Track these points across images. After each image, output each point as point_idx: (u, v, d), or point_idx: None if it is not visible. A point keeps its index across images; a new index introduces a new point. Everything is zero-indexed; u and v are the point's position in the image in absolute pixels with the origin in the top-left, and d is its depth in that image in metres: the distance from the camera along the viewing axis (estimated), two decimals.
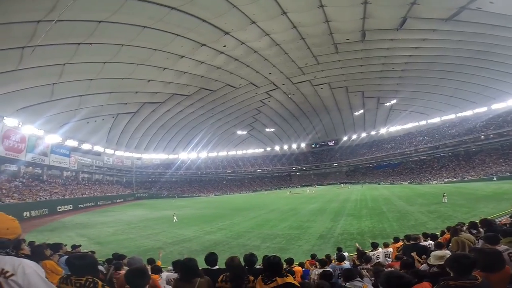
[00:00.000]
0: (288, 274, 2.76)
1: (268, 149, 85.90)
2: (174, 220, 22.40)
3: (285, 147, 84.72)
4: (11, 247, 1.63)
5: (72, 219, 26.83)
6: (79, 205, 36.04)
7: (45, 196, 32.27)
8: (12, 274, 1.47)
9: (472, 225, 5.42)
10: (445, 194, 21.98)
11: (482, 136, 49.23)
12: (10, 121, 31.17)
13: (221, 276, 2.98)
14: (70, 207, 33.84)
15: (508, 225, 5.68)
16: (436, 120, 60.23)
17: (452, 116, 56.81)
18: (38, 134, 36.59)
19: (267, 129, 73.94)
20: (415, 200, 24.80)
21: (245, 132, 74.74)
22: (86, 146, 47.41)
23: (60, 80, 28.71)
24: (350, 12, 26.29)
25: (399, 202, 24.91)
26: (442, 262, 2.26)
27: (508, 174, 37.81)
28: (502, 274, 2.20)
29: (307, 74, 44.21)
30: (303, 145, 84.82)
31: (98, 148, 50.58)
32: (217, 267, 3.37)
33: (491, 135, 47.96)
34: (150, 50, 29.03)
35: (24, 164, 36.17)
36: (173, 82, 39.01)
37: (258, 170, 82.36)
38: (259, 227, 17.83)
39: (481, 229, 4.99)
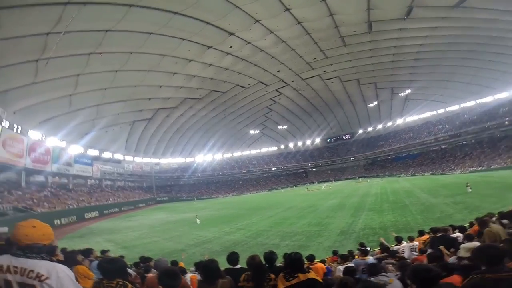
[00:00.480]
0: (310, 270, 2.76)
1: (282, 146, 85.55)
2: (197, 222, 22.82)
3: (299, 143, 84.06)
4: (46, 252, 1.73)
5: (99, 225, 27.92)
6: (105, 211, 37.29)
7: (72, 204, 33.76)
8: (47, 278, 1.58)
9: (503, 216, 5.15)
10: (468, 184, 20.95)
11: (506, 122, 46.57)
12: (34, 134, 32.74)
13: (243, 275, 2.99)
14: (96, 213, 35.04)
15: None
16: (455, 107, 57.83)
17: (472, 103, 54.37)
18: (61, 146, 38.33)
19: (280, 127, 73.61)
20: (439, 192, 23.83)
21: (257, 131, 74.78)
22: (106, 155, 49.17)
23: (76, 91, 29.92)
24: (354, 4, 25.92)
25: (422, 194, 24.04)
26: None
27: None
28: None
29: (316, 69, 43.70)
30: (317, 140, 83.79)
31: (118, 156, 52.35)
32: (238, 266, 3.41)
33: None
34: (159, 56, 29.71)
35: (51, 175, 37.96)
36: (184, 87, 39.72)
37: (273, 169, 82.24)
38: (278, 225, 17.80)
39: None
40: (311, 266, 5.30)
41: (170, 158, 68.54)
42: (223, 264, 3.29)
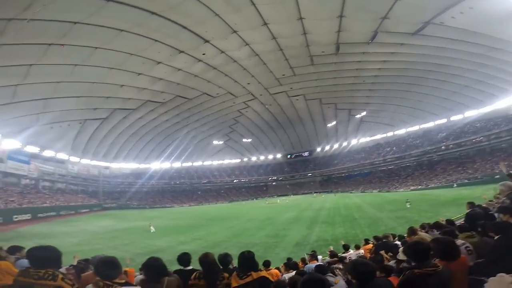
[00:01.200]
0: (263, 269, 2.76)
1: (245, 159, 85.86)
2: (151, 230, 21.32)
3: (262, 157, 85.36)
4: None
5: (31, 229, 24.65)
6: (39, 215, 33.37)
7: None
8: None
9: (432, 226, 5.84)
10: (408, 200, 23.52)
11: (443, 147, 53.72)
12: None
13: (195, 273, 2.90)
14: (29, 216, 31.37)
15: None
16: (402, 131, 64.27)
17: (416, 128, 61.09)
18: None
19: (244, 140, 74.00)
20: (384, 207, 26.07)
21: (221, 142, 73.95)
22: (48, 153, 43.99)
23: (24, 81, 26.63)
24: (327, 25, 27.43)
25: (370, 209, 26.05)
26: None
27: (466, 181, 41.12)
28: (459, 263, 2.38)
29: (284, 85, 45.35)
30: (279, 155, 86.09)
31: (62, 156, 47.11)
32: (190, 267, 3.28)
33: (451, 145, 52.47)
34: (126, 54, 28.02)
35: None
36: (147, 88, 37.78)
37: (235, 180, 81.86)
38: (236, 237, 17.55)
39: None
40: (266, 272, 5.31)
41: (122, 162, 63.35)
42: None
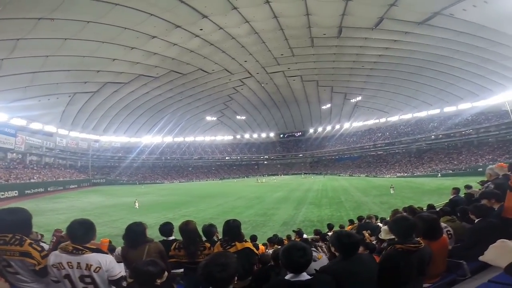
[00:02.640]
0: (247, 240, 2.75)
1: (238, 136, 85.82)
2: (135, 207, 21.53)
3: (255, 135, 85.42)
4: None
5: (18, 206, 24.32)
6: (26, 191, 32.91)
7: None
8: None
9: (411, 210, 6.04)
10: (392, 186, 24.24)
11: (433, 136, 54.80)
12: None
13: (174, 243, 2.80)
14: (15, 193, 30.85)
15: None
16: (395, 118, 64.82)
17: (409, 116, 61.69)
18: None
19: (238, 117, 73.48)
20: (370, 192, 26.92)
21: (214, 118, 73.04)
22: (36, 126, 42.85)
23: (11, 55, 25.40)
24: (332, 7, 26.51)
25: (356, 193, 26.86)
26: (392, 236, 2.41)
27: (451, 171, 42.63)
28: (440, 243, 2.39)
29: (281, 65, 44.51)
30: (272, 134, 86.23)
31: (49, 128, 45.97)
32: (173, 237, 3.20)
33: (440, 135, 53.58)
34: (119, 28, 26.57)
35: None
36: (140, 63, 36.38)
37: (226, 158, 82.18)
38: (225, 214, 17.93)
39: None
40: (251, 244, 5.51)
41: (113, 136, 62.39)
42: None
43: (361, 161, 68.08)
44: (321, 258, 3.29)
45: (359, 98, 59.77)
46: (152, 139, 70.10)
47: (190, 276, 2.59)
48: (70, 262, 1.87)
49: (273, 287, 1.83)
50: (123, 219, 17.10)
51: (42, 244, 2.10)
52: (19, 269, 1.94)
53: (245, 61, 41.87)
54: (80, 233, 1.97)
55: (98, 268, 1.89)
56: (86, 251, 1.90)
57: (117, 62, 34.56)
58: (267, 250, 6.45)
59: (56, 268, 1.88)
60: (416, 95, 52.13)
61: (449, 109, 52.64)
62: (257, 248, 4.64)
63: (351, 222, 8.88)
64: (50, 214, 19.64)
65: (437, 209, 4.81)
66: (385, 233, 3.26)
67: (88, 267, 1.88)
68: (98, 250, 1.99)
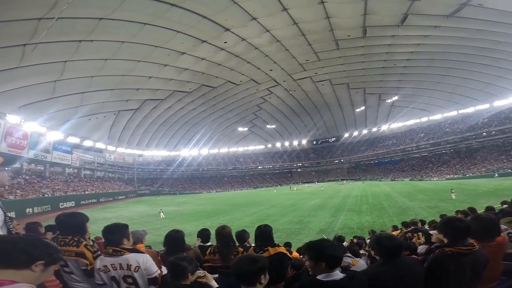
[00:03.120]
0: (280, 245, 2.69)
1: (269, 145, 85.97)
2: (161, 217, 22.51)
3: (286, 143, 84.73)
4: None
5: None
6: (81, 202, 36.15)
7: (47, 192, 32.50)
8: None
9: (466, 213, 5.44)
10: (453, 191, 21.72)
11: (484, 133, 49.19)
12: (12, 118, 31.26)
13: (210, 248, 2.88)
14: (72, 203, 33.90)
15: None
16: (437, 116, 60.06)
17: (454, 113, 56.65)
18: (40, 131, 36.73)
19: (268, 126, 73.96)
20: (416, 196, 24.83)
21: (246, 129, 74.65)
22: (88, 143, 47.52)
23: (61, 77, 28.74)
24: (351, 8, 26.11)
25: (400, 198, 24.96)
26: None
27: (510, 170, 37.85)
28: (497, 245, 2.15)
29: (308, 70, 44.07)
30: (304, 141, 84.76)
31: (100, 145, 50.78)
32: (209, 243, 3.32)
33: (493, 132, 47.94)
34: (151, 47, 28.94)
35: (27, 161, 36.32)
36: (173, 79, 38.96)
37: (259, 167, 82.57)
38: (260, 222, 17.66)
39: None
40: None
41: (154, 150, 67.14)
42: None
43: (404, 164, 63.38)
44: (356, 264, 3.14)
45: (395, 98, 56.58)
46: (190, 152, 73.75)
47: (224, 280, 2.63)
48: (114, 264, 2.01)
49: (304, 286, 1.77)
50: (165, 227, 17.97)
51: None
52: (74, 269, 2.12)
53: (271, 70, 42.29)
54: (111, 235, 2.13)
55: (137, 268, 2.01)
56: (125, 252, 2.03)
57: (153, 80, 37.36)
58: (301, 256, 6.28)
59: (103, 272, 2.03)
60: (459, 91, 47.97)
61: (499, 102, 47.49)
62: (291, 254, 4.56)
63: (395, 228, 8.28)
64: (102, 223, 20.91)
65: (497, 211, 4.32)
66: (436, 236, 3.04)
67: (128, 267, 2.01)
68: (135, 250, 2.12)
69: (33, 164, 38.84)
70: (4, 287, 1.01)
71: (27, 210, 25.51)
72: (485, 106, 49.92)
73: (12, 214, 19.18)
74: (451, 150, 55.64)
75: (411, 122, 66.01)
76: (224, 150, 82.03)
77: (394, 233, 7.24)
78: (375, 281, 1.67)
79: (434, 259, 1.92)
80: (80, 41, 23.98)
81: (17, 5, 17.68)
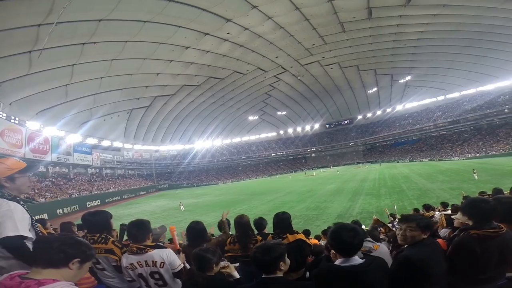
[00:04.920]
0: (299, 232, 2.68)
1: (281, 132, 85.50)
2: (182, 209, 23.20)
3: (299, 129, 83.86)
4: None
5: None
6: (106, 200, 37.58)
7: (74, 193, 34.13)
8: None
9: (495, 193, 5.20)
10: (475, 171, 20.96)
11: (506, 109, 46.65)
12: (32, 125, 32.52)
13: (229, 238, 2.92)
14: (98, 202, 35.30)
15: None
16: (455, 95, 57.56)
17: (472, 91, 54.02)
18: (60, 135, 38.22)
19: (279, 113, 73.44)
20: (436, 177, 24.16)
21: (256, 117, 74.50)
22: (105, 143, 49.05)
23: (71, 81, 29.59)
24: None
25: (419, 179, 24.41)
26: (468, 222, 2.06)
27: None
28: None
29: (315, 55, 43.05)
30: (316, 126, 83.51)
31: (117, 144, 52.28)
32: (229, 233, 3.34)
33: None
34: (155, 44, 29.09)
35: (51, 164, 38.06)
36: (181, 74, 39.19)
37: (272, 154, 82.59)
38: (276, 209, 17.84)
39: None
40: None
41: (169, 145, 68.49)
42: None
43: (422, 144, 61.40)
44: (377, 249, 3.10)
45: (408, 77, 54.52)
46: (204, 144, 74.74)
47: (245, 269, 2.67)
48: (140, 262, 2.06)
49: (322, 272, 1.67)
50: (187, 219, 18.56)
51: None
52: (105, 265, 2.24)
53: (276, 56, 41.61)
54: (135, 233, 2.16)
55: (162, 264, 2.06)
56: (148, 249, 2.08)
57: (161, 76, 37.75)
58: (320, 242, 6.30)
59: (130, 269, 2.08)
60: (476, 69, 45.63)
61: None
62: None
63: (416, 211, 8.05)
64: (127, 219, 22.07)
65: None
66: (459, 219, 2.96)
67: (154, 263, 2.06)
68: (157, 246, 2.15)
69: (57, 167, 40.72)
70: (46, 286, 1.05)
71: (58, 211, 26.83)
72: (506, 83, 47.13)
73: (44, 216, 20.40)
74: (471, 127, 53.30)
75: (427, 101, 63.40)
76: (236, 139, 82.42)
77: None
78: (421, 262, 1.67)
79: (459, 242, 1.86)
80: (83, 43, 24.42)
81: (15, 13, 17.99)
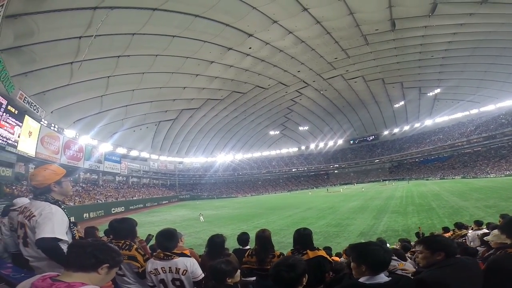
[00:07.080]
0: (320, 248, 2.65)
1: (303, 147, 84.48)
2: (201, 220, 23.33)
3: (321, 144, 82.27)
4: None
5: None
6: (130, 207, 38.83)
7: (101, 199, 35.81)
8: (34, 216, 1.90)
9: None
10: None
11: None
12: (69, 133, 34.96)
13: (249, 250, 2.96)
14: (122, 208, 36.48)
15: None
16: (490, 107, 53.91)
17: (509, 103, 50.25)
18: (93, 144, 40.80)
19: (301, 128, 72.74)
20: (470, 195, 22.42)
21: (277, 132, 74.70)
22: (134, 153, 51.53)
23: (107, 92, 31.52)
24: (374, 2, 25.09)
25: (451, 197, 22.74)
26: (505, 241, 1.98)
27: None
28: None
29: (338, 68, 42.65)
30: (340, 141, 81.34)
31: (144, 154, 54.67)
32: (248, 247, 3.38)
33: None
34: (182, 58, 30.61)
35: (83, 171, 40.52)
36: (206, 88, 40.64)
37: (293, 170, 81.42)
38: (295, 225, 17.60)
39: None
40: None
41: (193, 157, 70.51)
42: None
43: (454, 161, 57.52)
44: (403, 267, 2.97)
45: (437, 90, 52.10)
46: (225, 157, 75.93)
47: (261, 283, 2.68)
48: (164, 267, 2.17)
49: None
50: (205, 230, 18.70)
51: None
52: (126, 271, 2.33)
53: (298, 71, 41.79)
54: (168, 242, 2.27)
55: (185, 271, 2.15)
56: (174, 256, 2.19)
57: (187, 90, 39.42)
58: (340, 259, 6.07)
59: (154, 274, 2.18)
60: (511, 79, 42.59)
61: None
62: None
63: (445, 230, 7.55)
64: (149, 226, 22.94)
65: None
66: (495, 237, 2.80)
67: (177, 270, 2.15)
68: (182, 254, 2.25)
69: (88, 174, 43.25)
70: None
71: (84, 215, 28.21)
72: None
73: (72, 219, 21.57)
74: (510, 143, 49.20)
75: (459, 115, 59.95)
76: (257, 154, 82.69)
77: (446, 235, 6.65)
78: (437, 284, 1.59)
79: (495, 261, 1.80)
80: (118, 56, 26.19)
81: (59, 25, 19.56)
